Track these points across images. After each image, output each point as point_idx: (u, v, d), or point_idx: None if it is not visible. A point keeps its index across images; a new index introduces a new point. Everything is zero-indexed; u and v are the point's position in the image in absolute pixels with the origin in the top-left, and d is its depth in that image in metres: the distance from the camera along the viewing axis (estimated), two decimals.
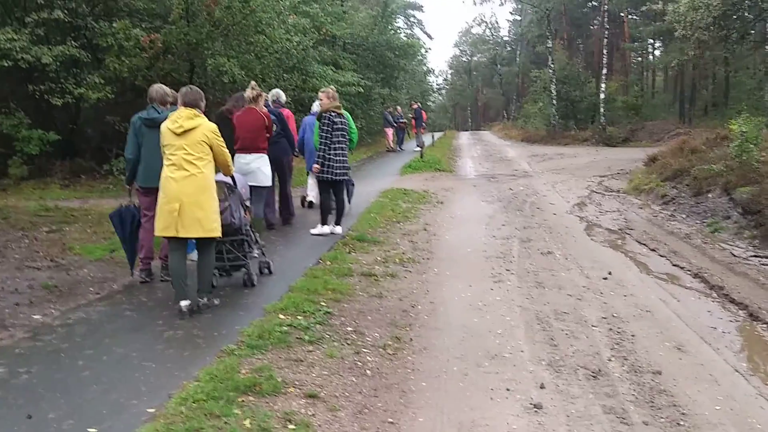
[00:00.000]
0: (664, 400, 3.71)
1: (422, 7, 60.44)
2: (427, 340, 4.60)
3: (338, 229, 7.70)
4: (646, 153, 14.70)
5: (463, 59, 71.17)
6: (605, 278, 6.37)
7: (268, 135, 7.15)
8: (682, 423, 3.46)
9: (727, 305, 5.61)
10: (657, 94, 41.86)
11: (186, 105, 4.70)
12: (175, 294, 4.73)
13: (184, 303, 4.62)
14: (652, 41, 40.18)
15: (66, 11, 10.74)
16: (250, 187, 6.22)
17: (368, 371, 3.94)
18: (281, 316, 4.57)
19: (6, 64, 9.85)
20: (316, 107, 9.06)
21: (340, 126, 7.39)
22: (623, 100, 32.54)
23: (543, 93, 34.49)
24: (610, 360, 4.32)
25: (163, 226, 4.60)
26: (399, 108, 25.79)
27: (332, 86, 8.15)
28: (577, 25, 47.44)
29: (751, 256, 7.18)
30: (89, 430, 2.96)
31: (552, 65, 31.79)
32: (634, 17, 39.80)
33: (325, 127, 7.30)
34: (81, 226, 7.92)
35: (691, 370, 4.18)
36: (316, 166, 7.43)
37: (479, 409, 3.57)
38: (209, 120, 4.86)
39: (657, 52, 41.50)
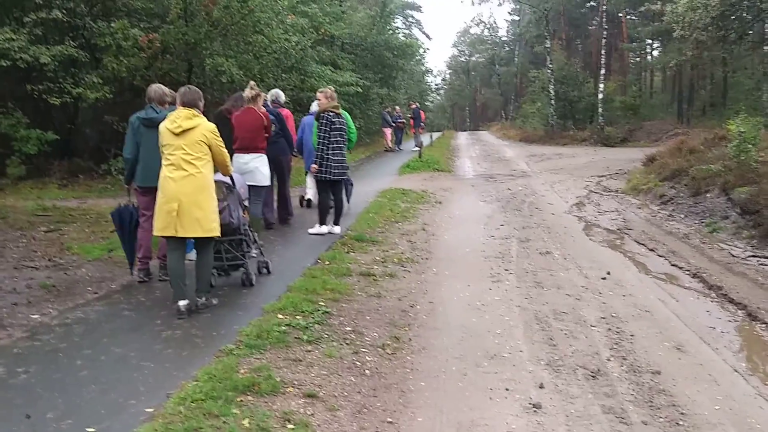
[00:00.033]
0: (663, 400, 3.71)
1: (420, 7, 60.59)
2: (426, 339, 4.60)
3: (336, 229, 7.70)
4: (644, 153, 14.72)
5: (462, 59, 71.20)
6: (604, 278, 6.37)
7: (266, 135, 7.14)
8: (681, 423, 3.46)
9: (726, 305, 5.62)
10: (655, 94, 41.93)
11: (184, 105, 4.70)
12: (173, 294, 4.72)
13: (182, 303, 4.61)
14: (650, 41, 40.25)
15: (64, 11, 10.71)
16: (249, 186, 6.22)
17: (367, 371, 3.94)
18: (280, 316, 4.57)
19: (4, 64, 9.82)
20: (314, 107, 9.05)
21: (338, 126, 7.38)
22: (621, 100, 32.57)
23: (541, 93, 34.54)
24: (609, 360, 4.32)
25: (161, 226, 4.60)
26: (397, 108, 25.80)
27: (330, 86, 8.14)
28: (576, 25, 47.53)
29: (750, 256, 7.19)
30: (88, 430, 2.95)
31: (550, 65, 31.82)
32: (633, 17, 39.87)
33: (324, 127, 7.30)
34: (79, 225, 7.91)
35: (690, 370, 4.18)
36: (314, 166, 7.43)
37: (478, 408, 3.57)
38: (208, 120, 4.85)
39: (655, 53, 41.57)
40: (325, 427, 3.19)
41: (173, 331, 4.34)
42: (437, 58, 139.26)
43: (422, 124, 26.56)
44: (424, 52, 45.44)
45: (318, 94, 7.73)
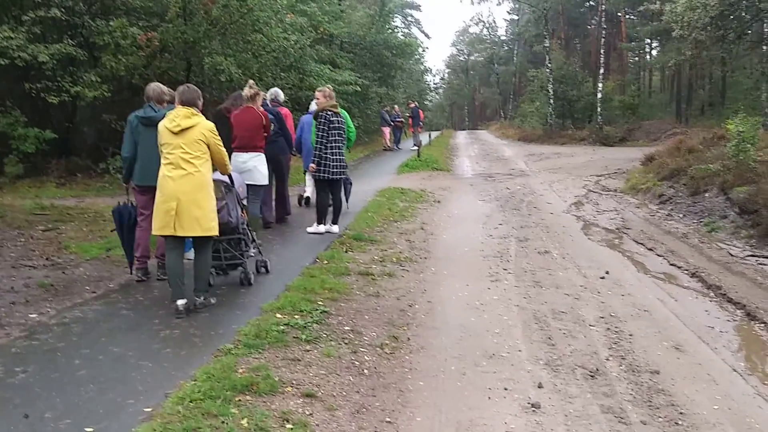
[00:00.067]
0: (662, 400, 3.71)
1: (420, 6, 60.47)
2: (425, 339, 4.60)
3: (335, 228, 7.69)
4: (643, 152, 14.72)
5: (461, 58, 71.16)
6: (603, 278, 6.37)
7: (265, 134, 7.13)
8: (680, 422, 3.46)
9: (725, 305, 5.62)
10: (654, 94, 41.96)
11: (183, 104, 4.69)
12: (171, 293, 4.71)
13: (180, 302, 4.60)
14: (649, 41, 40.28)
15: (63, 9, 10.70)
16: (247, 185, 6.21)
17: (366, 370, 3.93)
18: (278, 315, 4.56)
19: (2, 62, 9.80)
20: (314, 107, 9.04)
21: (336, 125, 7.37)
22: (620, 99, 32.61)
23: (540, 92, 34.53)
24: (608, 359, 4.32)
25: (160, 225, 4.59)
26: (396, 107, 25.78)
27: (329, 85, 8.14)
28: (575, 24, 47.57)
29: (748, 256, 7.19)
30: (86, 429, 2.94)
31: (549, 64, 31.82)
32: (632, 17, 39.91)
33: (322, 126, 7.29)
34: (77, 224, 7.89)
35: (689, 370, 4.18)
36: (312, 165, 7.42)
37: (477, 408, 3.56)
38: (207, 119, 4.84)
39: (654, 52, 41.62)
40: (323, 426, 3.18)
41: (171, 330, 4.33)
42: (436, 57, 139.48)
43: (421, 123, 26.56)
44: (423, 51, 45.42)
45: (316, 93, 7.73)
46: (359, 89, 20.64)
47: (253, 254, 5.64)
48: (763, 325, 5.08)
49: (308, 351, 4.04)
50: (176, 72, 12.26)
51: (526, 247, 7.70)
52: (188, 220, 4.53)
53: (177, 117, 4.61)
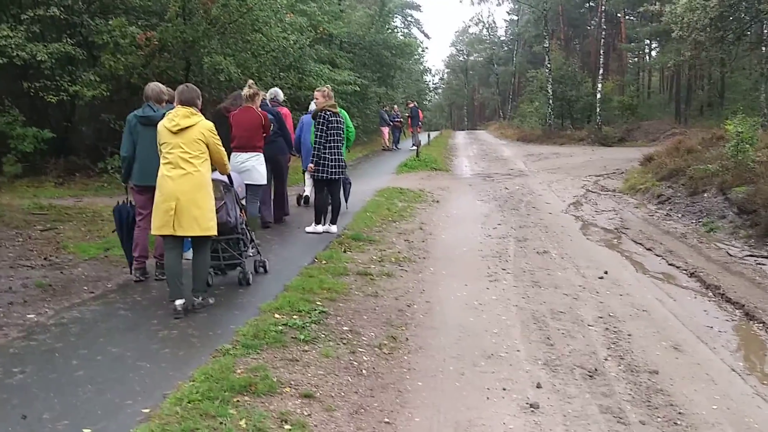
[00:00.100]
0: (661, 400, 3.71)
1: (420, 6, 60.35)
2: (423, 339, 4.59)
3: (333, 228, 7.68)
4: (641, 153, 14.74)
5: (460, 59, 71.20)
6: (601, 278, 6.37)
7: (264, 134, 7.13)
8: (679, 422, 3.46)
9: (724, 305, 5.63)
10: (653, 94, 42.02)
11: (182, 103, 4.68)
12: (169, 293, 4.70)
13: (179, 302, 4.59)
14: (648, 42, 40.31)
15: (62, 8, 10.68)
16: (246, 185, 6.20)
17: (364, 371, 3.93)
18: (277, 316, 4.55)
19: (1, 61, 9.78)
20: (313, 106, 9.04)
21: (335, 125, 7.36)
22: (619, 99, 32.65)
23: (539, 92, 34.56)
24: (606, 359, 4.32)
25: (159, 225, 4.58)
26: (395, 107, 25.77)
27: (328, 85, 8.13)
28: (574, 25, 47.62)
29: (747, 256, 7.20)
30: (84, 430, 2.93)
31: (549, 65, 31.85)
32: (631, 18, 39.98)
33: (321, 126, 7.28)
34: (75, 224, 7.88)
35: (687, 370, 4.18)
36: (311, 165, 7.41)
37: (476, 408, 3.56)
38: (206, 118, 4.84)
39: (653, 53, 41.66)
40: (322, 427, 3.18)
41: (170, 330, 4.32)
42: (436, 58, 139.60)
43: (420, 123, 26.55)
44: (423, 51, 45.49)
45: (315, 92, 7.71)
46: (358, 89, 20.65)
47: (251, 254, 5.63)
48: (761, 324, 5.08)
49: (306, 351, 4.03)
50: (175, 71, 12.25)
51: (525, 247, 7.70)
52: (187, 220, 4.52)
53: (176, 116, 4.60)
